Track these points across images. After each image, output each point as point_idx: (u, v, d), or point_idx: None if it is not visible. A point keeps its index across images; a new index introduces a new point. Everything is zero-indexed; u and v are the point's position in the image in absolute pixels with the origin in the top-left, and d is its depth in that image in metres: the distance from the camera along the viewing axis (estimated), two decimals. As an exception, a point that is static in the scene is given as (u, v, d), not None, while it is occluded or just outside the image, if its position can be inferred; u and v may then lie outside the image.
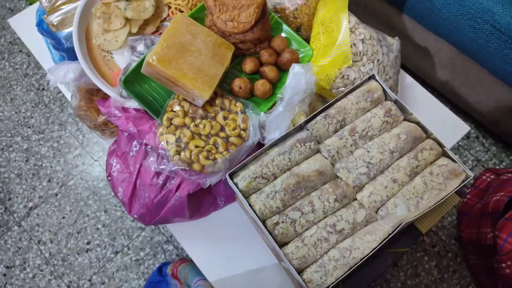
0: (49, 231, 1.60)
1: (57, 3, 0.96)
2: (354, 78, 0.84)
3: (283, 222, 0.62)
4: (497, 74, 1.29)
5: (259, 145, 0.82)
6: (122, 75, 0.86)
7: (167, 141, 0.78)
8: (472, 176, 0.62)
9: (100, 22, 0.89)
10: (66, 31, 0.93)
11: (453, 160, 0.64)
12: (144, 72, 0.79)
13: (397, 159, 0.66)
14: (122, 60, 0.91)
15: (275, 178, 0.66)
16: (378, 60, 0.87)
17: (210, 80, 0.79)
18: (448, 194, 0.61)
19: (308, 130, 0.68)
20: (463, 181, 0.63)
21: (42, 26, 0.96)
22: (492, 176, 1.46)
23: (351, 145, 0.67)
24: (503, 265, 1.07)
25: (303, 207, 0.63)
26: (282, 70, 0.89)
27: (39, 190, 1.67)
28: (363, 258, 0.59)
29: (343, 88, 0.85)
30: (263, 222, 0.63)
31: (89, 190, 1.66)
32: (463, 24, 1.21)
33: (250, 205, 0.63)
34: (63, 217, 1.62)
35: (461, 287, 1.43)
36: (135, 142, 0.87)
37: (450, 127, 0.99)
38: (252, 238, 0.88)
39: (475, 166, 1.61)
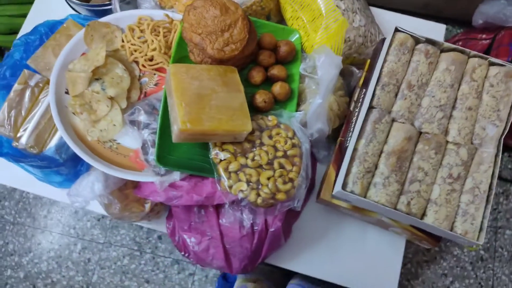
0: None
1: (18, 122, 0.82)
2: (354, 36, 0.85)
3: (412, 198, 0.64)
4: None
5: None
6: (148, 155, 0.78)
7: (241, 191, 0.74)
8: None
9: (84, 116, 0.79)
10: (52, 144, 0.81)
11: (501, 65, 0.69)
12: (177, 141, 0.73)
13: (458, 89, 0.70)
14: (132, 140, 0.82)
15: (377, 166, 0.67)
16: (359, 8, 0.88)
17: (242, 111, 0.75)
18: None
19: (375, 107, 0.69)
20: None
21: (15, 155, 0.82)
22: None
23: (416, 99, 0.69)
24: None
25: (417, 175, 0.65)
26: (286, 63, 0.86)
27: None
28: (491, 186, 0.63)
29: (350, 51, 0.86)
30: (395, 209, 0.64)
31: (117, 273, 1.54)
32: None
33: (375, 202, 0.64)
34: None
35: None
36: (195, 209, 0.81)
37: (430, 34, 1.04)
38: (340, 228, 0.89)
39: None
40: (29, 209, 1.57)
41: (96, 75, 0.80)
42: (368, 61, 0.87)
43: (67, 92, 0.82)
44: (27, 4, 1.65)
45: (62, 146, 0.80)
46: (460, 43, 1.48)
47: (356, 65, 0.95)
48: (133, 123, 0.81)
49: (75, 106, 0.78)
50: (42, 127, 0.81)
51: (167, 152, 0.77)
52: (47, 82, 0.85)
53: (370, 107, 0.69)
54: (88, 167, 0.84)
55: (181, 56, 0.81)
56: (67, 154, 0.81)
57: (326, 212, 0.90)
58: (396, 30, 0.72)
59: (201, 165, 0.78)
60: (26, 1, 1.66)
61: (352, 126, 0.75)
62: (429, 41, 0.72)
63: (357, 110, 0.76)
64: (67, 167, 0.83)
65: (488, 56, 0.70)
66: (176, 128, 0.70)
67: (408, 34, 0.71)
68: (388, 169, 0.66)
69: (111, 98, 0.80)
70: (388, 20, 1.06)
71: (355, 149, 0.67)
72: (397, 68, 0.70)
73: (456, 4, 1.57)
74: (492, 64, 0.71)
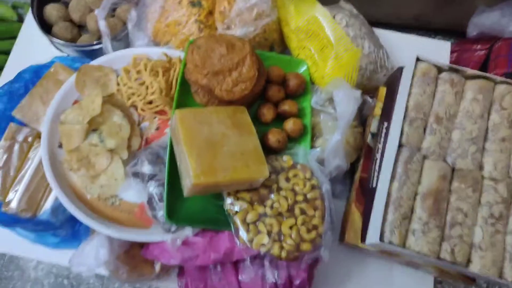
0: None
1: (7, 183, 0.74)
2: (366, 64, 0.80)
3: (455, 245, 0.58)
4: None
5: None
6: (156, 211, 0.71)
7: (263, 245, 0.67)
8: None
9: (82, 172, 0.71)
10: (47, 206, 0.73)
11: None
12: (189, 195, 0.66)
13: (488, 119, 0.65)
14: (136, 194, 0.74)
15: (413, 210, 0.62)
16: (366, 33, 0.84)
17: (256, 156, 0.68)
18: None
19: (405, 145, 0.64)
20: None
21: (6, 221, 0.73)
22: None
23: (446, 133, 0.64)
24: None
25: (457, 218, 0.60)
26: (296, 97, 0.81)
27: None
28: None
29: (362, 80, 0.81)
30: (438, 258, 0.59)
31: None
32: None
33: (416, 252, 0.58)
34: None
35: None
36: (210, 265, 0.74)
37: (436, 52, 1.01)
38: (364, 269, 0.83)
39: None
40: (16, 261, 1.46)
41: (92, 126, 0.73)
42: (381, 88, 0.83)
43: (60, 146, 0.74)
44: (6, 39, 1.55)
45: (58, 207, 0.72)
46: (456, 54, 1.46)
47: (367, 92, 0.90)
48: (136, 175, 0.74)
49: (71, 162, 0.70)
50: (34, 188, 0.73)
51: (178, 206, 0.70)
52: (37, 136, 0.77)
53: (399, 146, 0.64)
54: (88, 227, 0.76)
55: (184, 97, 0.75)
56: (65, 216, 0.73)
57: (349, 252, 0.84)
58: (418, 59, 0.67)
59: (216, 217, 0.72)
60: (5, 36, 1.56)
61: (377, 164, 0.69)
62: (452, 69, 0.68)
63: (379, 145, 0.71)
64: (64, 229, 0.74)
65: (515, 81, 0.67)
66: (188, 182, 0.64)
67: (431, 63, 0.67)
68: (426, 213, 0.60)
69: (111, 150, 0.72)
70: (389, 39, 1.02)
71: (388, 194, 0.61)
72: (423, 101, 0.65)
73: (446, 15, 1.55)
74: (520, 89, 0.67)
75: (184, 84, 0.74)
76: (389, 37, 1.01)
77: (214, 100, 0.73)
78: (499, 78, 0.67)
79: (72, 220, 0.75)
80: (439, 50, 1.00)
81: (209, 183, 0.63)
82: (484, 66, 1.33)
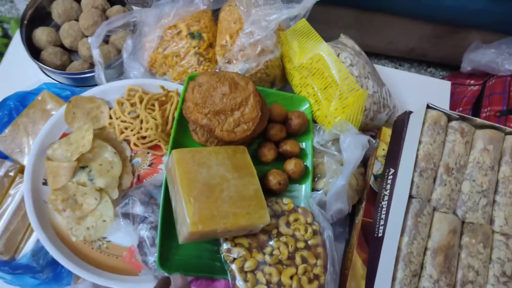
0: None
1: (-17, 222, 0.68)
2: (370, 104, 0.78)
3: (467, 306, 0.56)
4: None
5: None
6: (147, 256, 0.66)
7: (261, 297, 0.63)
8: None
9: (67, 213, 0.66)
10: (27, 249, 0.67)
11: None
12: (185, 242, 0.61)
13: (498, 171, 0.63)
14: (125, 237, 0.69)
15: (422, 266, 0.58)
16: (369, 72, 0.82)
17: (257, 201, 0.64)
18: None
19: (415, 197, 0.61)
20: None
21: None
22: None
23: (456, 184, 0.62)
24: None
25: (468, 275, 0.57)
26: (297, 136, 0.78)
27: None
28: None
29: (365, 120, 0.79)
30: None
31: None
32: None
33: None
34: None
35: None
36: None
37: (436, 92, 1.00)
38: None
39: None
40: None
41: (81, 162, 0.68)
42: (384, 129, 0.81)
43: (45, 183, 0.69)
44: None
45: (39, 250, 0.67)
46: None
47: (368, 130, 0.88)
48: (126, 216, 0.69)
49: (56, 202, 0.65)
50: (14, 228, 0.67)
51: (171, 252, 0.65)
52: (20, 170, 0.71)
53: (409, 197, 0.61)
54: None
55: (181, 134, 0.71)
56: (46, 260, 0.67)
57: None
58: (428, 107, 0.65)
59: (211, 264, 0.67)
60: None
61: (383, 212, 0.66)
62: (462, 118, 0.66)
63: (385, 192, 0.68)
64: (46, 272, 0.68)
65: (526, 131, 0.65)
66: (185, 230, 0.59)
67: (441, 111, 0.65)
68: (436, 271, 0.57)
69: (100, 189, 0.67)
70: (389, 75, 1.00)
71: (398, 249, 0.58)
72: (433, 151, 0.63)
73: (440, 49, 1.57)
74: (530, 140, 0.65)
75: (181, 120, 0.71)
76: (388, 73, 1.00)
77: (214, 140, 0.69)
78: (508, 129, 0.65)
79: (55, 262, 0.69)
80: (439, 89, 0.99)
81: (207, 231, 0.59)
82: (477, 102, 1.33)
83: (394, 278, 0.57)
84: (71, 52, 0.89)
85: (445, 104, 0.99)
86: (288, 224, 0.70)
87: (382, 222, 0.66)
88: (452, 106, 1.42)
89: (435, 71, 1.74)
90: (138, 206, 0.69)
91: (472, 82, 1.41)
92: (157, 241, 0.64)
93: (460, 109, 1.39)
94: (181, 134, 0.71)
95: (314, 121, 0.81)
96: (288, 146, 0.74)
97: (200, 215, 0.59)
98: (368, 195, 0.76)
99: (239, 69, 0.75)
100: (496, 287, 0.58)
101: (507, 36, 1.30)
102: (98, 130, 0.73)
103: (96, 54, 0.76)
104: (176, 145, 0.69)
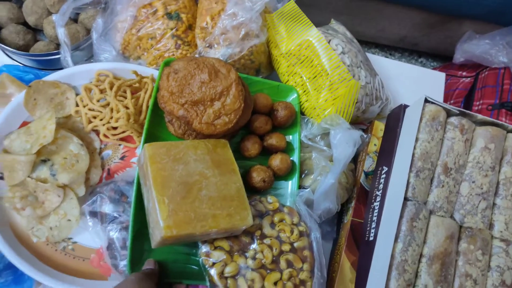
0: None
1: None
2: (362, 96, 0.72)
3: (464, 318, 0.51)
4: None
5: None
6: (117, 260, 0.60)
7: (241, 306, 0.57)
8: None
9: (27, 212, 0.59)
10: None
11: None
12: (158, 247, 0.55)
13: (499, 171, 0.59)
14: (93, 238, 0.62)
15: (417, 274, 0.54)
16: (362, 61, 0.76)
17: (239, 201, 0.59)
18: None
19: (411, 200, 0.56)
20: None
21: None
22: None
23: (454, 185, 0.57)
24: None
25: (465, 285, 0.53)
26: (283, 128, 0.72)
27: None
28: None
29: (357, 113, 0.73)
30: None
31: None
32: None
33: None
34: None
35: None
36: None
37: (431, 83, 0.95)
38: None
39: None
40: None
41: (42, 155, 0.61)
42: (376, 122, 0.75)
43: (1, 178, 0.62)
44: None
45: (-4, 254, 0.60)
46: (440, 79, 1.42)
47: (358, 124, 0.83)
48: (94, 214, 0.63)
49: (14, 200, 0.58)
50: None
51: (143, 256, 0.59)
52: (-27, 163, 0.64)
53: (404, 199, 0.56)
54: (33, 273, 0.64)
55: (156, 126, 0.64)
56: (3, 262, 0.60)
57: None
58: (426, 101, 0.59)
59: (188, 269, 0.61)
60: None
61: (374, 214, 0.61)
62: (463, 114, 0.60)
63: (377, 192, 0.63)
64: (4, 276, 0.62)
65: (529, 130, 0.60)
66: (158, 234, 0.53)
67: (440, 106, 0.59)
68: (432, 280, 0.53)
69: (64, 186, 0.61)
70: (381, 65, 0.95)
71: (391, 256, 0.53)
72: (431, 149, 0.57)
73: (432, 38, 1.52)
74: (533, 138, 0.61)
75: (156, 110, 0.64)
76: (380, 63, 0.95)
77: (192, 133, 0.62)
78: (510, 126, 0.60)
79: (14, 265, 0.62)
80: (433, 81, 0.94)
81: (182, 235, 0.53)
82: (469, 94, 1.29)
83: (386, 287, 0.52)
84: (35, 31, 0.80)
85: (439, 97, 0.94)
86: (272, 225, 0.64)
87: (373, 225, 0.61)
88: (444, 98, 1.38)
89: (426, 62, 1.69)
90: (108, 204, 0.62)
91: (464, 73, 1.37)
92: (128, 243, 0.58)
93: (452, 101, 1.35)
94: (155, 126, 0.64)
95: (302, 113, 0.75)
96: (273, 140, 0.68)
97: (175, 218, 0.53)
98: (358, 194, 0.71)
99: (221, 55, 0.69)
100: (494, 297, 0.54)
101: (501, 27, 1.26)
102: (62, 119, 0.66)
103: (62, 34, 0.68)
104: (150, 137, 0.62)
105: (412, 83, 0.93)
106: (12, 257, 0.58)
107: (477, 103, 1.24)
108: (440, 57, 1.66)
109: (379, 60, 0.96)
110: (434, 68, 1.54)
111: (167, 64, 0.64)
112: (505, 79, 1.20)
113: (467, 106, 1.28)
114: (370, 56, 0.93)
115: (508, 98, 1.17)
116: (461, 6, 1.27)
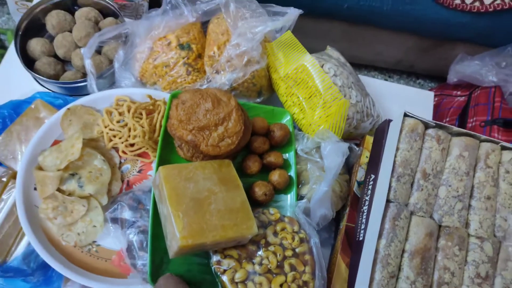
0: None
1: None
2: (353, 113, 0.81)
3: (442, 306, 0.58)
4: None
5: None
6: (136, 260, 0.68)
7: (250, 306, 0.64)
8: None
9: (58, 220, 0.68)
10: (18, 252, 0.69)
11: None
12: (175, 257, 0.63)
13: (474, 176, 0.66)
14: (114, 241, 0.71)
15: (400, 268, 0.60)
16: (353, 82, 0.85)
17: (244, 212, 0.66)
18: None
19: (392, 201, 0.63)
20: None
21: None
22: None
23: (432, 189, 0.65)
24: None
25: (444, 277, 0.60)
26: (280, 147, 0.80)
27: None
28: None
29: (349, 128, 0.81)
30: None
31: None
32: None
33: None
34: None
35: None
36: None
37: (419, 102, 1.03)
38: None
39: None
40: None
41: (70, 170, 0.70)
42: (367, 137, 0.83)
43: (35, 188, 0.71)
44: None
45: (30, 253, 0.68)
46: (437, 98, 1.50)
47: (353, 139, 0.91)
48: (115, 220, 0.71)
49: (47, 211, 0.67)
50: (6, 232, 0.69)
51: (161, 266, 0.66)
52: (13, 176, 0.73)
53: (387, 201, 0.63)
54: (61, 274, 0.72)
55: (167, 149, 0.73)
56: (37, 263, 0.69)
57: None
58: (406, 115, 0.68)
59: (201, 277, 0.68)
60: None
61: (363, 217, 0.69)
62: (439, 126, 0.68)
63: (366, 197, 0.71)
64: (36, 276, 0.70)
65: (499, 140, 0.68)
66: (175, 244, 0.60)
67: (418, 119, 0.68)
68: (413, 272, 0.59)
69: (90, 196, 0.69)
70: (374, 86, 1.03)
71: (376, 251, 0.60)
72: (411, 157, 0.65)
73: (426, 61, 1.61)
74: (504, 148, 0.68)
75: (167, 138, 0.73)
76: (374, 84, 1.03)
77: (199, 155, 0.71)
78: (483, 136, 0.68)
79: (45, 266, 0.71)
80: (423, 99, 1.02)
81: (197, 244, 0.61)
82: (464, 112, 1.37)
83: (372, 280, 0.59)
84: (64, 62, 0.91)
85: (428, 114, 1.02)
86: (275, 233, 0.71)
87: (362, 226, 0.68)
88: (440, 116, 1.45)
89: (424, 83, 1.78)
90: (127, 211, 0.71)
91: (458, 93, 1.44)
92: (147, 257, 0.65)
93: (448, 119, 1.42)
94: (167, 151, 0.73)
95: (299, 129, 0.84)
96: (272, 158, 0.77)
97: (189, 229, 0.61)
98: (351, 201, 0.78)
99: (226, 79, 0.78)
100: (471, 288, 0.60)
101: (490, 48, 1.34)
102: (87, 140, 0.75)
103: (89, 64, 0.79)
104: (162, 162, 0.71)
105: (403, 102, 1.00)
106: (46, 257, 0.66)
107: (471, 120, 1.31)
108: (436, 78, 1.75)
109: (373, 82, 1.05)
110: (431, 89, 1.62)
111: (174, 96, 0.73)
112: (496, 97, 1.28)
113: (462, 123, 1.35)
114: (367, 78, 1.02)
115: (499, 114, 1.24)
116: (450, 31, 1.36)
